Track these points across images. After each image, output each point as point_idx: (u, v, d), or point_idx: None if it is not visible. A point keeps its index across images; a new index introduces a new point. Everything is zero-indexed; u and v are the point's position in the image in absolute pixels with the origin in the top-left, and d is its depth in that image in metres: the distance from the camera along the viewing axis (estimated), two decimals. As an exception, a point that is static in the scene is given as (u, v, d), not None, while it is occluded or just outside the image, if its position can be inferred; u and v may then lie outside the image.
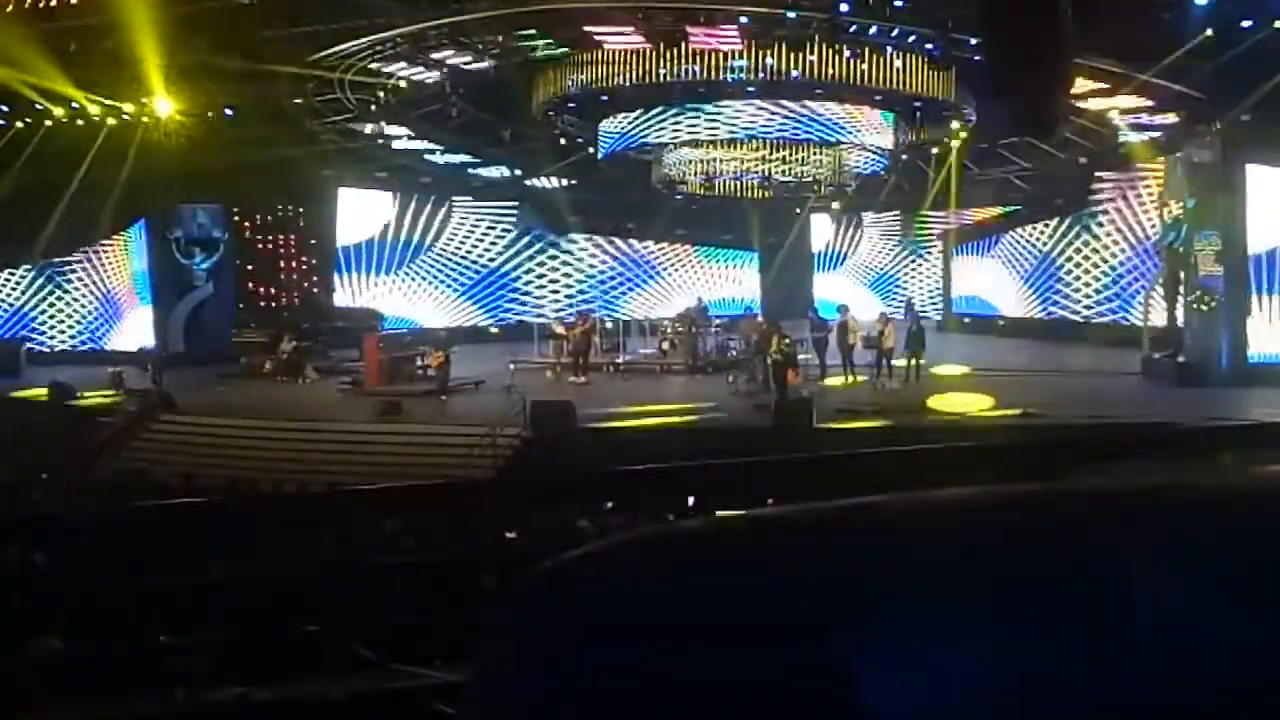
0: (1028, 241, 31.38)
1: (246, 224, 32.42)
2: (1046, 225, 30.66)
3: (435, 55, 24.79)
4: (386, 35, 23.07)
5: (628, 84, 24.57)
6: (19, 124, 27.29)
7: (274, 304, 33.13)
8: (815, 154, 27.11)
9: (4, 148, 27.20)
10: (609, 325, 27.85)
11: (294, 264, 33.58)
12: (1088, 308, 29.08)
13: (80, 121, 27.26)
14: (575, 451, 16.81)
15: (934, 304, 35.07)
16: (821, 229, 37.46)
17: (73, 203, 28.56)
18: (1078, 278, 29.44)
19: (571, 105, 26.74)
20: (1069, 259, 29.73)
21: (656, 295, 35.88)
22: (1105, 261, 28.48)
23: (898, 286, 36.12)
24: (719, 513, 0.69)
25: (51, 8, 21.12)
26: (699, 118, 26.12)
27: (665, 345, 26.47)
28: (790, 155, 27.03)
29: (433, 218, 33.77)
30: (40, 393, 23.56)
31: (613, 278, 35.93)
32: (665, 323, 28.33)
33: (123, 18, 20.53)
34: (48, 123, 26.91)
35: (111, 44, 21.78)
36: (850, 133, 26.41)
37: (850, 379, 21.97)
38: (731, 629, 0.60)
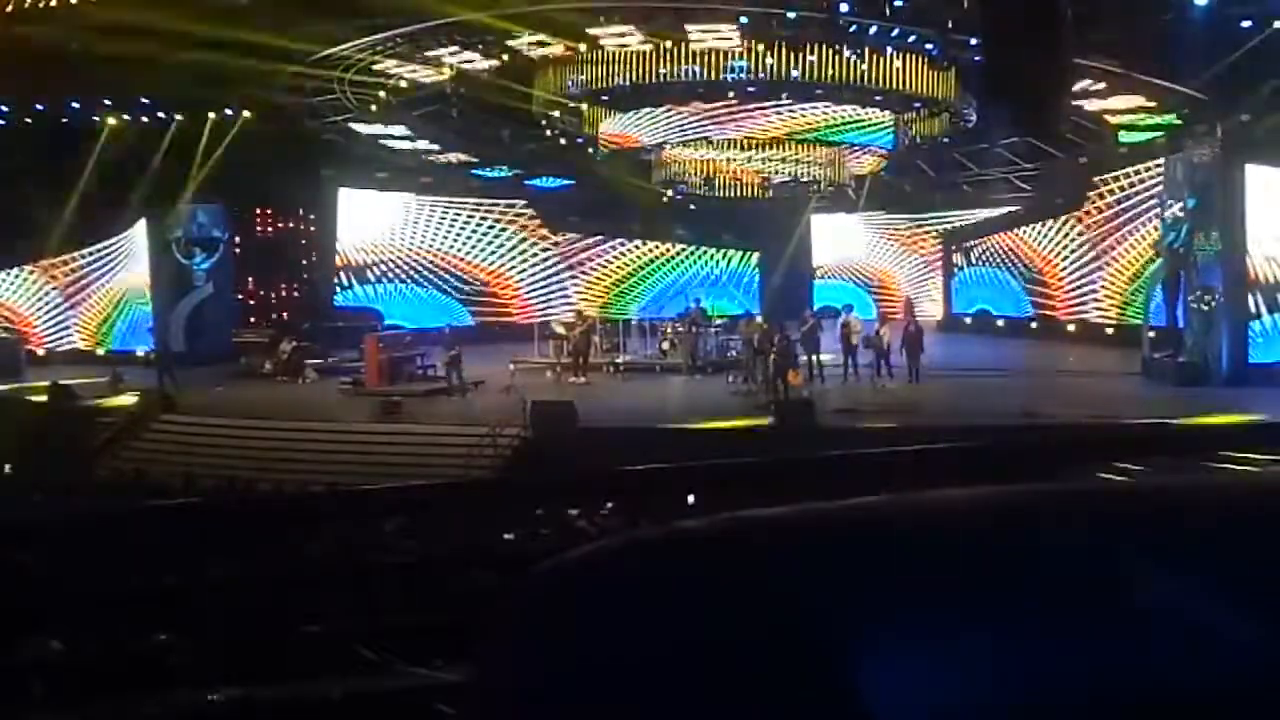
0: (1028, 241, 31.32)
1: (247, 224, 32.36)
2: (1047, 225, 30.59)
3: (435, 54, 24.81)
4: (386, 35, 23.07)
5: (628, 83, 24.55)
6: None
7: (274, 304, 33.10)
8: (815, 153, 27.08)
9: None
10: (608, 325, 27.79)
11: (294, 264, 33.53)
12: (1090, 308, 29.02)
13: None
14: (575, 451, 16.77)
15: (934, 303, 34.99)
16: (822, 229, 37.37)
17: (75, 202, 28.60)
18: (1079, 278, 29.39)
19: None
20: (1070, 259, 29.67)
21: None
22: (1109, 262, 28.41)
23: (898, 286, 36.04)
24: (719, 513, 0.69)
25: (51, 8, 21.06)
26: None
27: (665, 345, 26.43)
28: (790, 154, 27.00)
29: (436, 216, 33.61)
30: (40, 393, 23.57)
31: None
32: (665, 323, 28.25)
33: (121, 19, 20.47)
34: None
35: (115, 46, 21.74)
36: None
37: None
38: (732, 630, 0.60)
